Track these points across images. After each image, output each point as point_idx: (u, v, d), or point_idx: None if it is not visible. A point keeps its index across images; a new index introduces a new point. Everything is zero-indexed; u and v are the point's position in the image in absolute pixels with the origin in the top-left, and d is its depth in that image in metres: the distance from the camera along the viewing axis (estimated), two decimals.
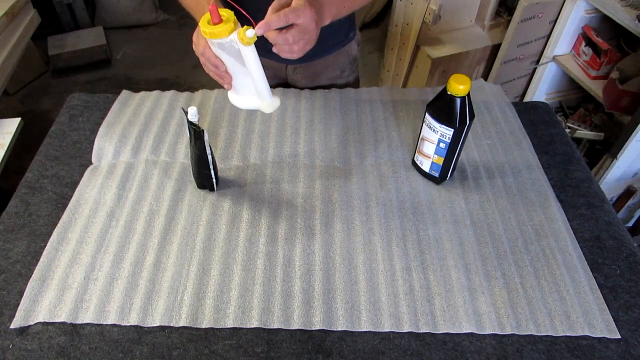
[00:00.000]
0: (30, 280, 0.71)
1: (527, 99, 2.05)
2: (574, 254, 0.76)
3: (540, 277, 0.73)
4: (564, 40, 1.79)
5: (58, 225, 0.79)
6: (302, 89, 1.06)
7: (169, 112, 1.00)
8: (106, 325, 0.67)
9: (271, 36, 0.67)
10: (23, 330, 0.67)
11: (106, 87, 2.53)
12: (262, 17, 0.65)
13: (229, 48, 0.67)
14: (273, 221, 0.80)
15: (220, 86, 1.07)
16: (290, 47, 0.68)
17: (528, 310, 0.69)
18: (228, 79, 0.74)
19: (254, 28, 0.64)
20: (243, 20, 0.65)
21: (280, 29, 0.66)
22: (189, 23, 2.95)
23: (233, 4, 0.65)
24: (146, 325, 0.67)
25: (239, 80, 0.73)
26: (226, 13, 0.65)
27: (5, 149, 1.27)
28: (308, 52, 0.72)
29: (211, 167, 0.79)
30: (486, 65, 2.05)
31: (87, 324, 0.67)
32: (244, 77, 0.71)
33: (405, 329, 0.67)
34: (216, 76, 0.75)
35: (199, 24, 0.67)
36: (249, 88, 0.72)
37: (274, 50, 0.69)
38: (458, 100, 0.74)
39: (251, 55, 0.66)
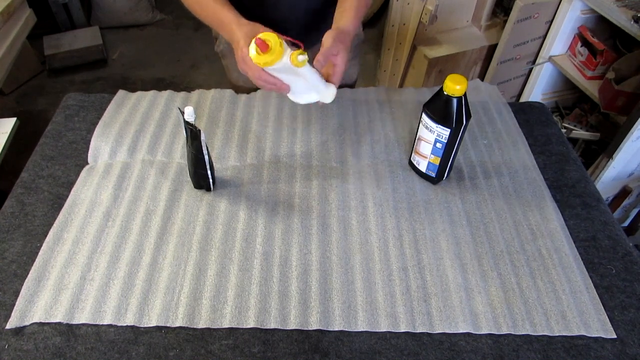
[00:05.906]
0: (26, 280, 0.71)
1: (523, 99, 2.06)
2: (570, 254, 0.76)
3: (536, 277, 0.73)
4: (559, 40, 1.80)
5: (54, 225, 0.78)
6: None
7: (166, 112, 1.00)
8: (102, 325, 0.67)
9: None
10: (19, 331, 0.66)
11: (102, 87, 2.52)
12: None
13: (284, 67, 0.72)
14: (270, 221, 0.79)
15: (217, 86, 1.08)
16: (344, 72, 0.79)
17: (524, 310, 0.69)
18: (287, 88, 0.78)
19: (301, 49, 0.71)
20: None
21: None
22: (185, 23, 2.95)
23: (286, 37, 0.72)
24: (142, 326, 0.67)
25: (296, 84, 0.78)
26: (271, 37, 0.70)
27: (1, 148, 1.26)
28: (310, 39, 0.85)
29: (208, 167, 0.79)
30: (482, 66, 2.05)
31: (83, 324, 0.67)
32: (301, 80, 0.77)
33: (402, 328, 0.67)
34: (275, 89, 0.78)
35: (252, 59, 0.71)
36: (307, 87, 0.79)
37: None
38: (454, 101, 0.74)
39: (304, 69, 0.73)
